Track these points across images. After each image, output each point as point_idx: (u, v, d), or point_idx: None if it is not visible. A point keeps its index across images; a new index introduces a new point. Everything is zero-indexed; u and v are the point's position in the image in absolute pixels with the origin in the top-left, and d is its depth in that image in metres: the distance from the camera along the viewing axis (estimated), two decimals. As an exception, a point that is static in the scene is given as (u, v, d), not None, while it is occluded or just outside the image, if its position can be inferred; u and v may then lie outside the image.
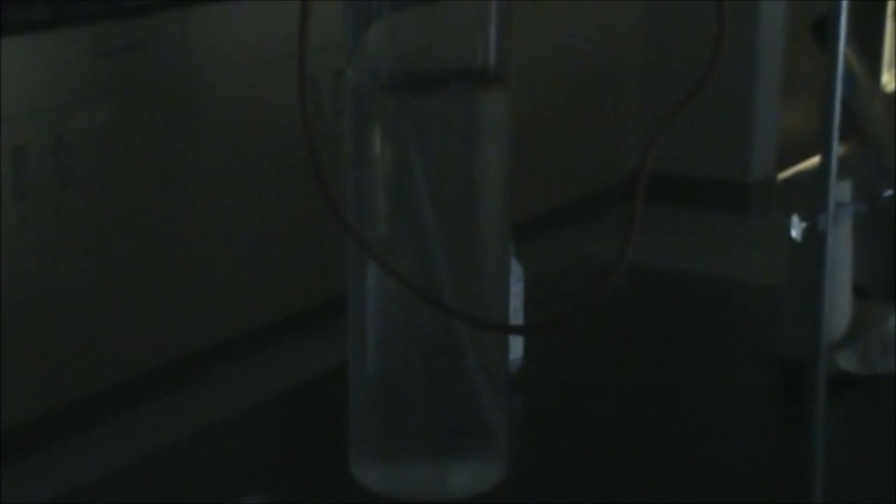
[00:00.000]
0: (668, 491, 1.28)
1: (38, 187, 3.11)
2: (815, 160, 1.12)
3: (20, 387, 3.12)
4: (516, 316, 1.45)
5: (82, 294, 3.25)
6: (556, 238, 4.44)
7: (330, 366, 1.46)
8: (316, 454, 1.34)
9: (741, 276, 2.00)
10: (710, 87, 1.10)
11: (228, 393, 3.45)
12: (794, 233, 1.11)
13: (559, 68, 4.60)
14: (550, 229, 4.48)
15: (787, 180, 5.03)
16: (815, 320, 1.10)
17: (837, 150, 1.08)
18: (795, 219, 1.11)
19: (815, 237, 1.10)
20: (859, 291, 1.53)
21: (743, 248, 4.58)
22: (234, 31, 3.53)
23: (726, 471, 1.32)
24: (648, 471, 1.32)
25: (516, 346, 1.47)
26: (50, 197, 3.14)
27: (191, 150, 3.49)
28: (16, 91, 3.05)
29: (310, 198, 3.69)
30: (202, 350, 3.56)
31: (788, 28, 4.84)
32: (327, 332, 3.58)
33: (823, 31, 1.10)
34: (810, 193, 1.11)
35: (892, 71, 5.42)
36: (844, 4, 1.07)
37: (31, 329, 3.16)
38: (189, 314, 3.52)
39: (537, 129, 4.42)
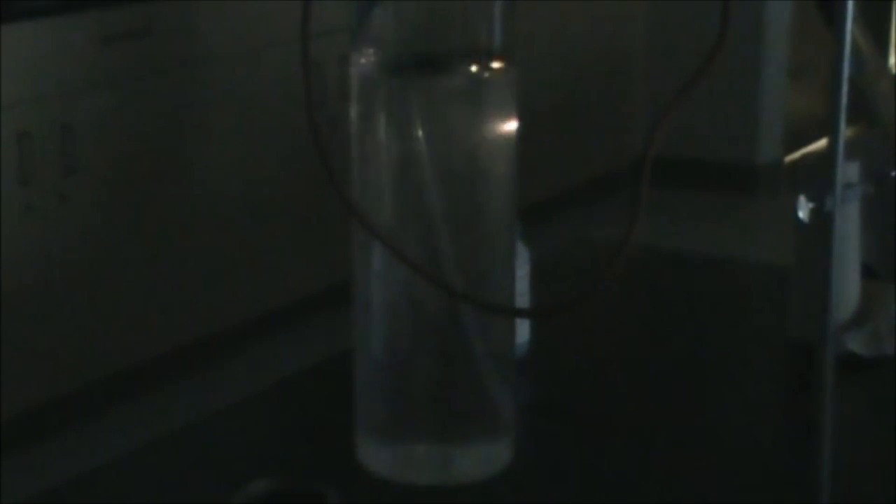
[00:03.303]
0: (676, 473, 1.27)
1: (43, 174, 3.11)
2: (822, 141, 1.11)
3: (24, 376, 3.12)
4: (523, 299, 1.45)
5: (88, 281, 3.25)
6: (563, 221, 4.43)
7: (336, 350, 1.46)
8: (322, 439, 1.33)
9: (749, 259, 2.00)
10: (717, 69, 1.09)
11: (234, 379, 3.45)
12: (802, 214, 1.11)
13: (565, 50, 4.59)
14: (557, 212, 4.47)
15: (795, 162, 5.01)
16: (823, 301, 1.10)
17: (845, 130, 1.08)
18: (803, 200, 1.10)
19: (822, 218, 1.09)
20: (867, 272, 1.53)
21: (750, 230, 4.57)
22: (240, 16, 3.53)
23: (735, 451, 1.32)
24: (656, 454, 1.31)
25: (523, 329, 1.46)
26: (55, 183, 3.14)
27: (196, 135, 3.48)
28: (21, 77, 3.04)
29: (316, 182, 3.68)
30: (207, 337, 3.56)
31: (795, 7, 4.82)
32: (333, 317, 3.57)
33: (830, 11, 1.09)
34: (818, 174, 1.10)
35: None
36: (852, -17, 1.06)
37: (36, 317, 3.15)
38: (195, 301, 3.51)
39: (544, 112, 4.41)
